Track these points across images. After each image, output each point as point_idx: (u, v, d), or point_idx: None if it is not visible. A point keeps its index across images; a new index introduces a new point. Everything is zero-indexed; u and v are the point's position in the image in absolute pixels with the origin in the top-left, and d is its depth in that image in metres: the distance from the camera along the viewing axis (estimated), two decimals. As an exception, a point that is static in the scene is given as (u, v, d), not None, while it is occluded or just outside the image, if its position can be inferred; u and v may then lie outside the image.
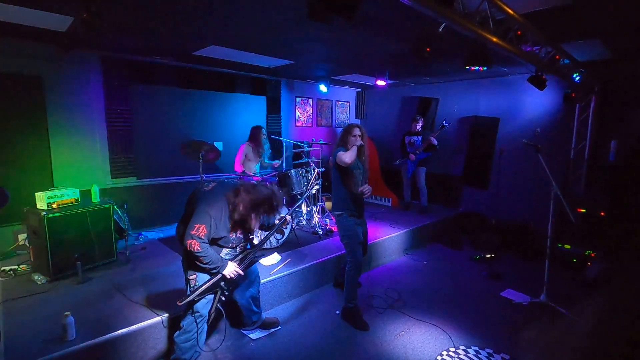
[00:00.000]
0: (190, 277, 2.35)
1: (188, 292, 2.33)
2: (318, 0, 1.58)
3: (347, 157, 3.05)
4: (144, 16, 3.20)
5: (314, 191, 5.19)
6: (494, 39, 2.55)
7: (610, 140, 4.90)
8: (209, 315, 2.46)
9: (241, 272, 2.45)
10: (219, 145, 5.73)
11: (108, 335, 2.45)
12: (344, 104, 8.25)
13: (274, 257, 3.91)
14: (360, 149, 3.18)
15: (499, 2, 2.32)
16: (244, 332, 3.03)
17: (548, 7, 2.77)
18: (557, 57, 3.73)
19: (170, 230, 4.96)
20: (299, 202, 3.21)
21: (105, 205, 3.72)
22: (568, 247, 4.75)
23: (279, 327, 3.12)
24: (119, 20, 3.31)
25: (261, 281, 3.12)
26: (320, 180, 5.45)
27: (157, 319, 2.67)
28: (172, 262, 3.85)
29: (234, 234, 2.43)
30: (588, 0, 2.74)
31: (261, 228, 2.76)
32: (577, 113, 5.27)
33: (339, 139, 3.35)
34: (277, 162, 5.18)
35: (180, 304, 2.28)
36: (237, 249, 2.59)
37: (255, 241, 3.04)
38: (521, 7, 2.72)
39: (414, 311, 3.48)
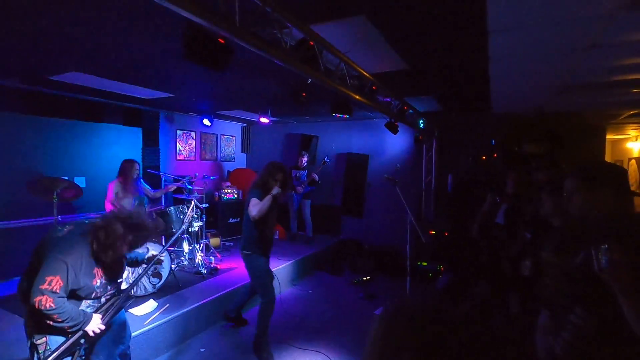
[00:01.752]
0: (38, 342, 1.92)
1: None
2: (187, 52, 1.66)
3: (257, 211, 2.97)
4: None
5: (195, 228, 4.99)
6: (352, 94, 3.04)
7: (447, 175, 6.16)
8: None
9: (103, 327, 2.11)
10: (80, 181, 5.00)
11: None
12: (230, 138, 8.25)
13: (150, 305, 3.53)
14: (276, 196, 3.10)
15: (353, 64, 2.81)
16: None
17: (392, 69, 3.46)
18: (405, 108, 4.61)
19: (8, 287, 4.01)
20: (169, 243, 2.86)
21: None
22: (425, 264, 5.64)
23: (154, 385, 2.81)
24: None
25: (132, 334, 2.78)
26: (204, 216, 5.26)
27: None
28: (7, 327, 3.11)
29: (98, 280, 2.07)
30: (420, 68, 3.54)
31: (130, 265, 2.49)
32: (424, 152, 6.49)
33: (259, 179, 3.22)
34: (157, 191, 4.82)
35: None
36: (103, 299, 2.20)
37: (124, 286, 2.67)
38: (372, 68, 3.33)
39: (300, 341, 3.58)
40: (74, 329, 1.96)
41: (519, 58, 3.14)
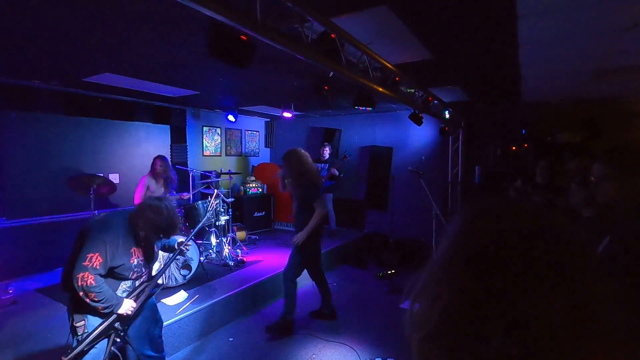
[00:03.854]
0: (78, 324, 2.07)
1: (74, 343, 2.06)
2: (211, 49, 1.70)
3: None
4: (25, 40, 2.90)
5: (222, 222, 5.12)
6: (375, 86, 3.00)
7: (475, 166, 5.98)
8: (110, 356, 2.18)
9: (134, 308, 2.22)
10: (114, 177, 5.26)
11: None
12: (254, 133, 8.37)
13: (180, 295, 3.69)
14: None
15: (375, 55, 2.77)
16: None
17: (416, 60, 3.38)
18: (430, 99, 4.50)
19: (51, 278, 4.30)
20: (195, 230, 2.95)
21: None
22: (451, 257, 5.52)
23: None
24: (-13, 42, 2.93)
25: (165, 323, 2.91)
26: (230, 210, 5.39)
27: None
28: (53, 315, 3.34)
29: (135, 259, 2.19)
30: (445, 58, 3.44)
31: (163, 250, 2.60)
32: (450, 144, 6.32)
33: (308, 174, 3.41)
34: (186, 194, 4.97)
35: (66, 358, 2.00)
36: (137, 282, 2.32)
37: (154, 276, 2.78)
38: (395, 59, 3.27)
39: (324, 333, 3.63)
40: (107, 311, 2.07)
41: (551, 42, 2.99)
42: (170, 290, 3.79)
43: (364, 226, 7.32)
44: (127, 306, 2.16)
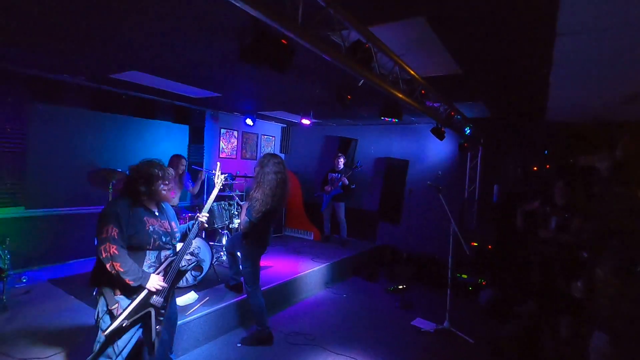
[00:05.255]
0: (113, 307, 2.10)
1: (110, 323, 2.06)
2: (252, 52, 1.69)
3: None
4: (58, 34, 2.95)
5: (235, 225, 5.10)
6: (404, 97, 2.97)
7: (493, 185, 5.86)
8: (152, 343, 2.19)
9: (165, 285, 2.23)
10: (132, 174, 5.30)
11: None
12: (270, 138, 8.40)
13: (191, 296, 3.66)
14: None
15: (406, 67, 2.75)
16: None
17: (444, 73, 3.35)
18: (452, 113, 4.45)
19: (64, 270, 4.32)
20: (210, 200, 2.75)
21: (-20, 241, 3.12)
22: (465, 276, 5.39)
23: (193, 375, 2.89)
24: (24, 34, 2.99)
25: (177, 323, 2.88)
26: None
27: None
28: (65, 306, 3.33)
29: (150, 226, 2.23)
30: (474, 73, 3.40)
31: (182, 239, 2.57)
32: (468, 160, 6.23)
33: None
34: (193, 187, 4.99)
35: (105, 333, 2.01)
36: (162, 256, 2.32)
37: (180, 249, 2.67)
38: (423, 72, 3.24)
39: (333, 345, 3.55)
40: (135, 284, 2.11)
41: (586, 62, 2.93)
42: (181, 290, 3.76)
43: (375, 238, 7.22)
44: (155, 281, 2.19)
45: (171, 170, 2.41)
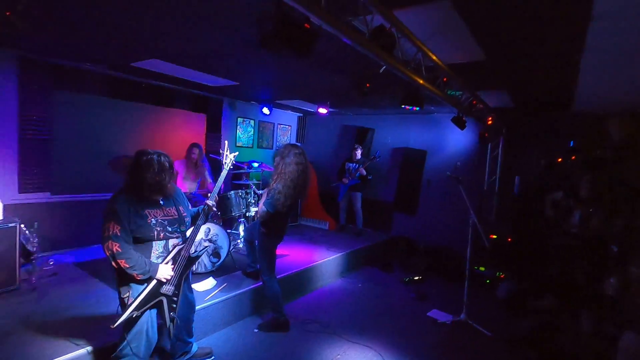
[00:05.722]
0: (125, 296, 2.16)
1: (121, 313, 2.12)
2: (274, 36, 1.67)
3: None
4: (82, 23, 2.99)
5: (252, 213, 5.15)
6: (426, 84, 2.89)
7: (514, 176, 5.71)
8: (168, 330, 2.28)
9: (174, 274, 2.25)
10: (152, 161, 5.39)
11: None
12: (286, 127, 8.39)
13: (209, 282, 3.73)
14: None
15: (430, 53, 2.66)
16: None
17: (468, 60, 3.23)
18: (474, 102, 4.32)
19: (89, 253, 4.46)
20: (219, 183, 2.72)
21: (10, 224, 3.24)
22: (482, 269, 5.31)
23: (213, 358, 2.96)
24: (50, 24, 3.04)
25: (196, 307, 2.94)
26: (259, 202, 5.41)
27: (81, 351, 2.36)
28: (90, 289, 3.45)
29: (152, 219, 2.21)
30: (499, 59, 3.27)
31: (193, 220, 2.55)
32: (489, 151, 6.07)
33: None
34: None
35: (114, 326, 2.06)
36: (170, 245, 2.32)
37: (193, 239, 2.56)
38: (446, 58, 3.14)
39: (349, 334, 3.57)
40: (144, 277, 2.14)
41: (620, 49, 2.78)
42: (200, 276, 3.84)
43: (390, 229, 7.18)
44: (164, 271, 2.21)
45: (169, 159, 2.32)
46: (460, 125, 4.44)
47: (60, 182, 4.60)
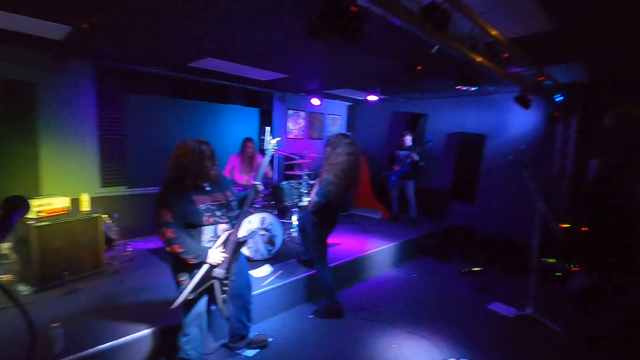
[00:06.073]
0: (181, 279, 2.33)
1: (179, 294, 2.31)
2: (322, 23, 1.66)
3: None
4: (145, 30, 3.24)
5: (305, 203, 5.25)
6: (485, 61, 2.68)
7: (590, 159, 5.12)
8: (225, 303, 2.43)
9: (226, 255, 2.38)
10: (210, 155, 5.73)
11: (96, 348, 2.40)
12: (335, 117, 8.38)
13: (266, 269, 3.90)
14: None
15: (488, 27, 2.46)
16: (236, 352, 2.94)
17: (533, 32, 2.93)
18: (541, 78, 3.92)
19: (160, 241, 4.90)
20: (261, 170, 2.78)
21: (95, 215, 3.67)
22: (552, 260, 4.88)
23: (271, 339, 3.09)
24: (119, 33, 3.34)
25: (253, 293, 3.10)
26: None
27: (148, 331, 2.63)
28: (161, 273, 3.80)
29: (201, 205, 2.31)
30: (570, 27, 2.92)
31: (240, 203, 2.62)
32: (559, 132, 5.50)
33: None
34: (270, 172, 5.23)
35: (172, 307, 2.26)
36: (219, 230, 2.42)
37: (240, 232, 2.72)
38: (507, 32, 2.87)
39: (404, 323, 3.51)
40: (197, 261, 2.28)
41: None
42: (257, 263, 4.03)
43: (446, 218, 6.88)
44: (215, 255, 2.34)
45: (209, 147, 2.37)
46: (525, 104, 4.07)
47: (134, 177, 5.10)
